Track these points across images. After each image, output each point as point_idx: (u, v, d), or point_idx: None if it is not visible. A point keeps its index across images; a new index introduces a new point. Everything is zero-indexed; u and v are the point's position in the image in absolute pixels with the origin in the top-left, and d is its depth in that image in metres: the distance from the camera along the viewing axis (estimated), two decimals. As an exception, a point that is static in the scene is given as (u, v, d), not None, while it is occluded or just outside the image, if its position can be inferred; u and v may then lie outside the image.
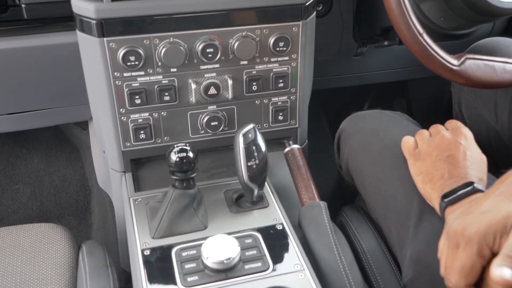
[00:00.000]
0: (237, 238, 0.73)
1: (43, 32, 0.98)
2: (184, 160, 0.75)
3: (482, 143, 0.88)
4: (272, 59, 0.92)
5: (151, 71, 0.87)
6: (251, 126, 0.80)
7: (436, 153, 0.80)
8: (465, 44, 1.14)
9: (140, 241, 0.77)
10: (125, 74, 0.86)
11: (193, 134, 0.95)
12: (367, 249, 0.90)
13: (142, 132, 0.91)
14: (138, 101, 0.88)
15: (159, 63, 0.86)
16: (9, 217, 1.53)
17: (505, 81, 0.87)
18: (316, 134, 1.46)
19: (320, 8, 1.21)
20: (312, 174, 0.93)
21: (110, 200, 1.19)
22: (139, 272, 0.72)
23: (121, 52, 0.83)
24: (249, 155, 0.79)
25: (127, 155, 0.94)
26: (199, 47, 0.86)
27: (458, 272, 0.60)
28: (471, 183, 0.71)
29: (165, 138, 0.94)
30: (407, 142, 0.88)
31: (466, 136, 0.82)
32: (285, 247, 0.77)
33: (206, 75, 0.90)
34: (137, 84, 0.87)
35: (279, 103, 0.97)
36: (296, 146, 1.00)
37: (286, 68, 0.93)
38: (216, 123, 0.94)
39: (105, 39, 0.82)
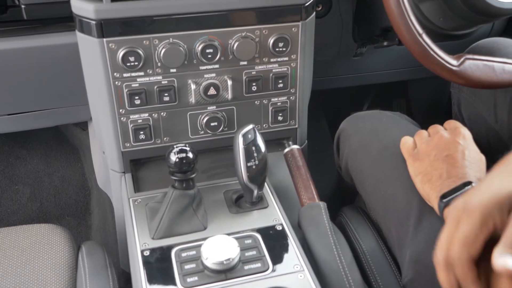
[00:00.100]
0: (236, 238, 0.73)
1: (42, 32, 0.98)
2: (184, 161, 0.76)
3: (482, 143, 0.88)
4: (272, 60, 0.92)
5: (150, 72, 0.87)
6: (250, 126, 0.80)
7: (435, 153, 0.80)
8: (464, 45, 1.14)
9: (139, 242, 0.77)
10: (124, 75, 0.86)
11: (193, 135, 0.95)
12: (366, 249, 0.90)
13: (141, 132, 0.91)
14: (137, 102, 0.88)
15: (159, 64, 0.86)
16: (8, 218, 1.53)
17: (504, 81, 0.87)
18: (315, 135, 1.46)
19: (320, 8, 1.21)
20: (311, 175, 0.93)
21: (109, 200, 1.18)
22: (139, 273, 0.72)
23: (120, 53, 0.83)
24: (248, 156, 0.79)
25: (127, 155, 0.94)
26: (199, 47, 0.86)
27: (460, 243, 0.56)
28: (470, 183, 0.71)
29: (165, 138, 0.94)
30: (406, 142, 0.88)
31: (465, 136, 0.82)
32: (284, 248, 0.77)
33: (205, 76, 0.90)
34: (137, 85, 0.87)
35: (278, 103, 0.97)
36: (295, 146, 1.00)
37: (285, 69, 0.94)
38: (216, 123, 0.94)
39: (104, 39, 0.82)
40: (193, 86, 0.90)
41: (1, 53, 0.97)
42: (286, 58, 0.92)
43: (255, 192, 0.83)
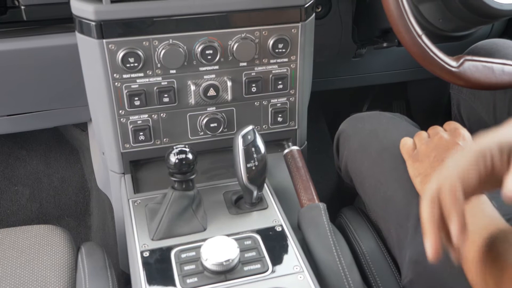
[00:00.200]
0: (236, 239, 0.73)
1: (42, 33, 0.98)
2: (183, 162, 0.76)
3: (481, 144, 0.88)
4: (272, 61, 0.92)
5: (150, 73, 0.87)
6: (250, 127, 0.80)
7: (434, 154, 0.80)
8: (463, 46, 1.15)
9: (139, 243, 0.77)
10: (124, 76, 0.86)
11: (193, 136, 0.95)
12: (366, 250, 0.90)
13: (141, 133, 0.91)
14: (137, 103, 0.88)
15: (158, 65, 0.86)
16: (8, 219, 1.53)
17: (504, 82, 0.87)
18: (315, 136, 1.46)
19: (319, 9, 1.21)
20: (311, 176, 0.93)
21: (109, 201, 1.18)
22: (138, 274, 0.72)
23: (120, 54, 0.83)
24: (248, 157, 0.79)
25: (126, 156, 0.94)
26: (199, 48, 0.86)
27: (455, 173, 0.53)
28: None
29: (164, 139, 0.94)
30: (406, 143, 0.88)
31: (465, 137, 0.82)
32: (284, 249, 0.77)
33: (205, 77, 0.90)
34: (136, 86, 0.87)
35: (278, 104, 0.97)
36: (295, 147, 1.00)
37: (285, 70, 0.94)
38: (215, 124, 0.94)
39: (104, 40, 0.82)
40: (192, 87, 0.90)
41: (1, 54, 0.97)
42: (286, 59, 0.93)
43: (255, 193, 0.83)
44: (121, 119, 0.90)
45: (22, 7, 0.91)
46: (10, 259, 0.87)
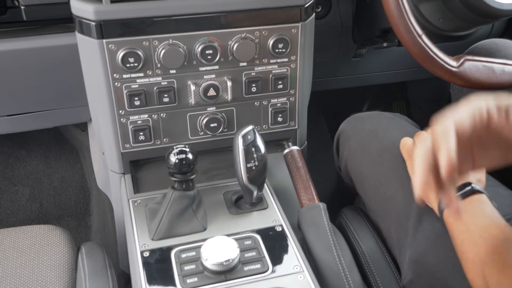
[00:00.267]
0: (236, 239, 0.73)
1: (42, 33, 0.98)
2: (184, 162, 0.75)
3: (481, 144, 0.88)
4: (272, 61, 0.92)
5: (150, 73, 0.87)
6: (250, 127, 0.80)
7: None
8: (464, 46, 1.14)
9: (139, 243, 0.77)
10: (124, 76, 0.86)
11: (193, 136, 0.95)
12: (366, 250, 0.90)
13: (141, 133, 0.91)
14: (137, 103, 0.88)
15: (158, 65, 0.86)
16: (8, 219, 1.53)
17: (504, 82, 0.87)
18: (315, 136, 1.46)
19: (319, 9, 1.21)
20: (311, 176, 0.93)
21: (109, 201, 1.18)
22: (139, 274, 0.72)
23: (120, 54, 0.83)
24: (248, 157, 0.79)
25: (126, 156, 0.94)
26: (199, 48, 0.86)
27: (451, 120, 0.54)
28: (469, 184, 0.71)
29: (164, 139, 0.94)
30: (406, 143, 0.88)
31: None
32: (284, 249, 0.77)
33: (205, 77, 0.90)
34: (136, 86, 0.87)
35: (278, 104, 0.97)
36: (295, 147, 1.00)
37: (285, 70, 0.94)
38: (216, 124, 0.94)
39: (104, 40, 0.82)
40: (192, 87, 0.90)
41: (1, 54, 0.97)
42: (286, 59, 0.92)
43: (255, 193, 0.83)
44: (121, 119, 0.90)
45: (22, 7, 0.91)
46: (10, 259, 0.87)
